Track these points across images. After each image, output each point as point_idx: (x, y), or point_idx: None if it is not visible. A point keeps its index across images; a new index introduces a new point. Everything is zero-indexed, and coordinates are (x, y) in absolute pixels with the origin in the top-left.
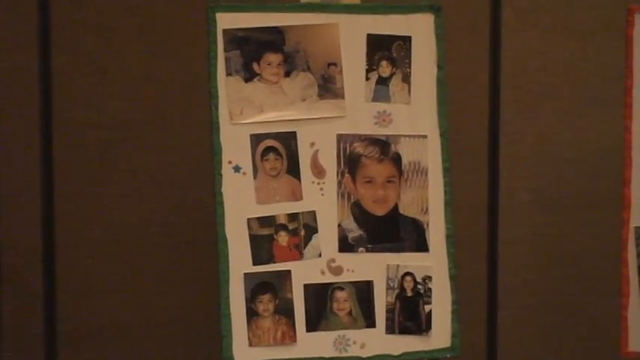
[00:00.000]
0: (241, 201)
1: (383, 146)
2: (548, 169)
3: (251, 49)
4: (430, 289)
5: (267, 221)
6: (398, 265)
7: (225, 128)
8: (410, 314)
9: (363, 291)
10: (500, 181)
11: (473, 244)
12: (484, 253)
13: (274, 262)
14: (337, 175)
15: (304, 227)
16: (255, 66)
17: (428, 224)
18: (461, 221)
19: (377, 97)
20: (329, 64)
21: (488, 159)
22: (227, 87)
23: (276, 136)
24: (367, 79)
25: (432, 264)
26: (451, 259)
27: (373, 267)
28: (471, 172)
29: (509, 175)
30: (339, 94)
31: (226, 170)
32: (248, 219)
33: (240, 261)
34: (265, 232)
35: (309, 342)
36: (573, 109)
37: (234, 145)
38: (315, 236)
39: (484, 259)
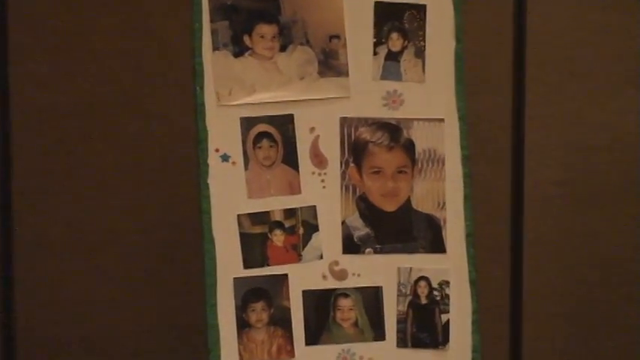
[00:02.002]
0: (230, 195)
1: (393, 131)
2: (580, 158)
3: (241, 20)
4: (448, 296)
5: (260, 218)
6: (411, 269)
7: (212, 111)
8: (424, 325)
9: (371, 298)
10: (524, 172)
11: (493, 245)
12: (506, 255)
13: (268, 265)
14: (341, 165)
15: (303, 225)
16: (246, 39)
17: (445, 221)
18: (480, 218)
19: (386, 75)
20: (331, 37)
21: (512, 147)
22: (214, 63)
23: (270, 119)
24: (375, 53)
25: (450, 267)
26: (471, 261)
27: (382, 270)
28: (490, 162)
29: (534, 165)
30: (342, 72)
31: (213, 159)
32: (238, 215)
33: (229, 264)
34: (258, 230)
35: (309, 357)
36: (609, 89)
37: (221, 131)
38: (315, 235)
39: (506, 262)
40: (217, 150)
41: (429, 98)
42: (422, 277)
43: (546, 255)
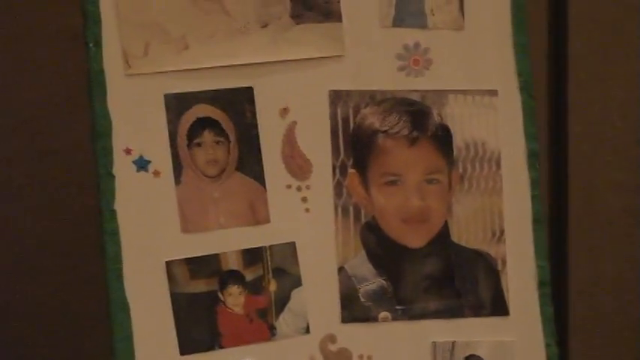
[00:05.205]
0: (153, 228)
1: (416, 113)
2: None
3: None
4: None
5: (204, 266)
6: (453, 343)
7: (117, 83)
8: None
9: None
10: (569, 171)
11: None
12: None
13: (221, 347)
14: (333, 172)
15: (275, 276)
16: None
17: (504, 262)
18: None
19: (402, 18)
20: None
21: (550, 135)
22: (120, 1)
23: (214, 97)
24: None
25: (516, 338)
26: (549, 329)
27: (408, 348)
28: None
29: (583, 163)
30: (331, 14)
31: (121, 167)
32: (167, 263)
33: (155, 347)
34: (201, 287)
35: None
36: None
37: (134, 118)
38: (296, 293)
39: None
40: (128, 151)
41: (472, 57)
42: (472, 357)
43: (599, 305)
